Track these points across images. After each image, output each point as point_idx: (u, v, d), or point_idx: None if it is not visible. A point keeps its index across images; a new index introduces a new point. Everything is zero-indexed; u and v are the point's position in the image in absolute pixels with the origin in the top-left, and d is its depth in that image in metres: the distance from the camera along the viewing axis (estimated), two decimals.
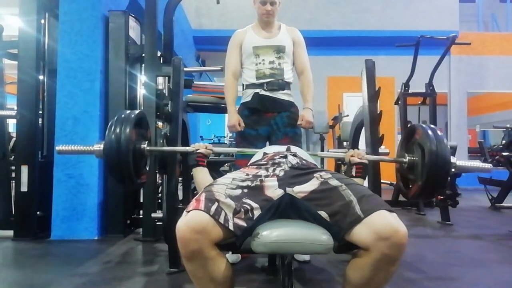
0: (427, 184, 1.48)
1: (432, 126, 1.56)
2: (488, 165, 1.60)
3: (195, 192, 2.57)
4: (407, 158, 1.63)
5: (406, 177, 1.68)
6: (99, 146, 1.59)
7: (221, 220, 1.11)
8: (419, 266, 2.36)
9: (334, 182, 1.26)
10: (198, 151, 1.71)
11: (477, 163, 1.62)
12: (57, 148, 1.68)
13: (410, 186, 1.67)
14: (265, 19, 2.38)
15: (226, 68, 2.46)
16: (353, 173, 1.59)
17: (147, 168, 1.81)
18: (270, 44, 2.37)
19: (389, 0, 7.95)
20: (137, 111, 1.67)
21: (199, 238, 1.08)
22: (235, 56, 2.44)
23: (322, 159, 6.36)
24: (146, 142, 1.73)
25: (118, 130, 1.51)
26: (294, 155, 1.47)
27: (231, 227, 1.13)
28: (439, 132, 1.49)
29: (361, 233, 1.10)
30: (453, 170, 1.51)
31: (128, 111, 1.64)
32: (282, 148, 1.62)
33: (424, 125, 1.56)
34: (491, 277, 2.20)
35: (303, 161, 1.44)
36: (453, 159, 1.51)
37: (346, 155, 1.64)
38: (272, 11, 2.35)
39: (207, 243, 1.09)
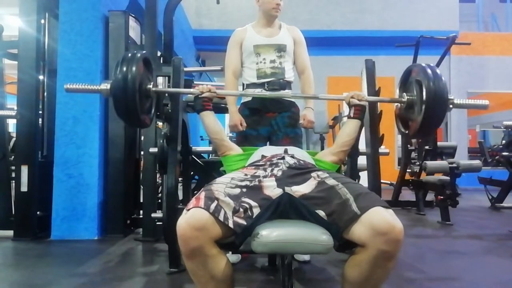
0: (426, 119, 1.50)
1: (429, 64, 1.57)
2: (485, 102, 1.60)
3: (195, 192, 2.57)
4: (406, 97, 1.64)
5: (406, 117, 1.69)
6: (106, 85, 1.60)
7: (221, 217, 1.12)
8: (419, 266, 2.36)
9: (331, 182, 1.27)
10: (203, 95, 1.73)
11: (473, 101, 1.63)
12: (65, 86, 1.70)
13: (410, 124, 1.67)
14: (274, 13, 2.36)
15: (226, 67, 2.44)
16: (351, 115, 1.70)
17: (153, 112, 1.81)
18: (271, 43, 2.35)
19: (389, 0, 7.95)
20: (143, 52, 1.69)
21: (200, 236, 1.08)
22: (236, 55, 2.42)
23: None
24: (152, 83, 1.73)
25: (125, 69, 1.52)
26: (292, 156, 1.48)
27: (230, 224, 1.13)
28: (437, 70, 1.50)
29: (358, 230, 1.11)
30: (450, 106, 1.53)
31: (134, 51, 1.66)
32: (279, 150, 1.63)
33: (421, 64, 1.57)
34: (491, 277, 2.20)
35: (301, 161, 1.46)
36: (450, 96, 1.52)
37: (346, 97, 1.72)
38: (281, 6, 2.35)
39: (208, 241, 1.10)
